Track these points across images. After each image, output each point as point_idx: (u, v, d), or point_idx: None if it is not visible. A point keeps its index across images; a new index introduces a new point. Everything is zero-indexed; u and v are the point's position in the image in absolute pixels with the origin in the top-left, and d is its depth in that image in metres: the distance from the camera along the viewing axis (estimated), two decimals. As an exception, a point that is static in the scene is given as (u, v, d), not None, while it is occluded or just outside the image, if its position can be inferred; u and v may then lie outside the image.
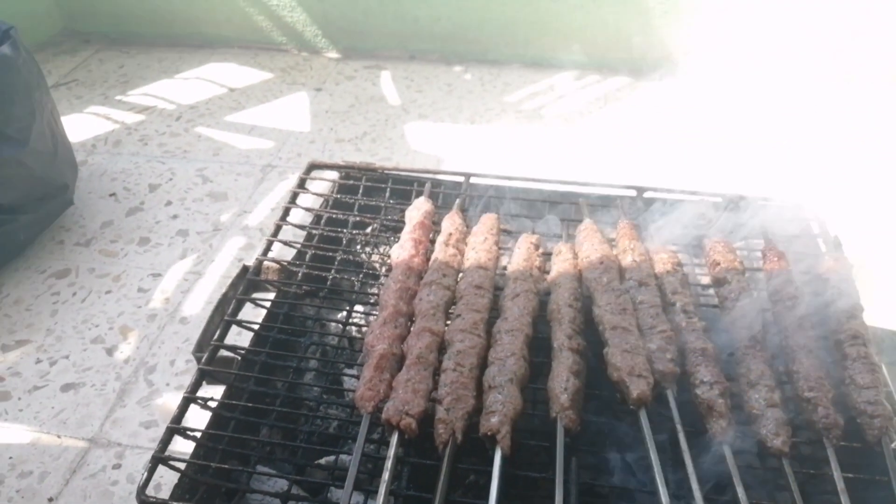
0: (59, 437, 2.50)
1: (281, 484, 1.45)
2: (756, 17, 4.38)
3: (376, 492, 1.22)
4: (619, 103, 4.43)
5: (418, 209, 1.89)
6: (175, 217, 3.50)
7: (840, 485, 1.26)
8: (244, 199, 3.62)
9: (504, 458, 1.27)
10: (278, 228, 1.95)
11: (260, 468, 1.49)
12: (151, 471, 1.34)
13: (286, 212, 2.00)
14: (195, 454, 1.44)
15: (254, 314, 1.79)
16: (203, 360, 1.57)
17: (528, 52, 4.84)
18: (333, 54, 5.05)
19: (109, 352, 2.80)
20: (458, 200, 1.99)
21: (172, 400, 2.61)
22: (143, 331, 2.89)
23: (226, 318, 1.67)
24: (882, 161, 3.80)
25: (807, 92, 4.46)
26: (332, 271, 1.85)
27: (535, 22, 4.68)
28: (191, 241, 3.35)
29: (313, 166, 2.18)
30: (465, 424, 1.34)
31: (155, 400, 2.62)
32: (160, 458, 1.36)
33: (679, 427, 1.32)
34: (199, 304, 3.00)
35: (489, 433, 1.30)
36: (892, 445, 1.33)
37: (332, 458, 1.53)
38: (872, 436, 1.34)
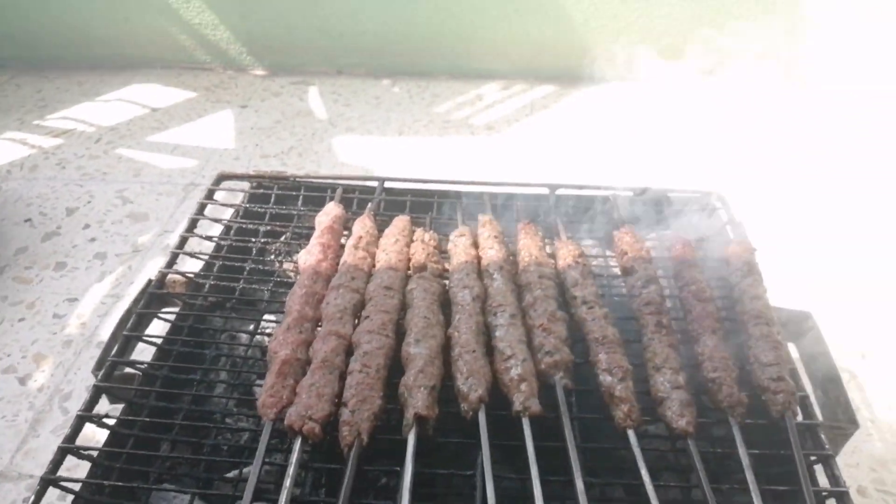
0: (-34, 473, 2.37)
1: (184, 499, 1.39)
2: (677, 21, 4.50)
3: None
4: (545, 111, 4.48)
5: (328, 214, 1.86)
6: (93, 240, 3.38)
7: (745, 461, 1.27)
8: (165, 218, 3.52)
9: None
10: (184, 240, 1.89)
11: (165, 485, 1.43)
12: (40, 494, 1.28)
13: (193, 223, 1.95)
14: (91, 474, 1.38)
15: (161, 329, 1.73)
16: (99, 376, 1.50)
17: (455, 63, 4.86)
18: (259, 71, 4.99)
19: (22, 381, 2.67)
20: (370, 204, 1.97)
21: (89, 426, 2.50)
22: (58, 358, 2.76)
23: (125, 332, 1.61)
24: (789, 156, 3.93)
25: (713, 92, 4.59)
26: (241, 281, 1.80)
27: (460, 34, 4.71)
28: (109, 263, 3.23)
29: (223, 177, 2.13)
30: (371, 426, 1.30)
31: (70, 428, 2.50)
32: (49, 479, 1.30)
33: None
34: (118, 328, 2.89)
35: None
36: (795, 420, 1.35)
37: (239, 470, 1.48)
38: (776, 411, 1.35)
